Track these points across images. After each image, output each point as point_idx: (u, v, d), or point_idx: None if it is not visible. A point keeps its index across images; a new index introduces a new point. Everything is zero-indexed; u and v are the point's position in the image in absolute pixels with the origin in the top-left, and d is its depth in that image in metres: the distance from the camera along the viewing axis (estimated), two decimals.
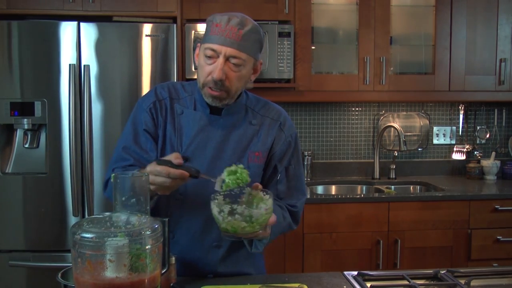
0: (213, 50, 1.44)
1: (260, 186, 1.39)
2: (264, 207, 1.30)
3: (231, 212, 1.27)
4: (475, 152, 3.57)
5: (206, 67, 1.47)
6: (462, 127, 3.59)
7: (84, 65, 2.58)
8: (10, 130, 2.68)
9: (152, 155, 1.52)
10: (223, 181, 1.32)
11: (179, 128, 1.55)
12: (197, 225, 1.54)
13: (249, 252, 1.58)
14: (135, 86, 2.65)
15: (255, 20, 3.24)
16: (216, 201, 1.33)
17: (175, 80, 2.65)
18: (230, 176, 1.31)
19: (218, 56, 1.44)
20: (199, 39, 2.87)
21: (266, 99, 1.69)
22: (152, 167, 1.31)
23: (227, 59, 1.44)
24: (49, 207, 2.63)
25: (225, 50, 1.43)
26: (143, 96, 1.62)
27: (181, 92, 1.60)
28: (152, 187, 1.30)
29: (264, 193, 1.36)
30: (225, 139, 1.55)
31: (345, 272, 1.59)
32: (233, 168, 1.33)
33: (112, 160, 1.57)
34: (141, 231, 1.08)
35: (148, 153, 1.53)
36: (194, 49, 2.83)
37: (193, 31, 2.86)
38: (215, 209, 1.31)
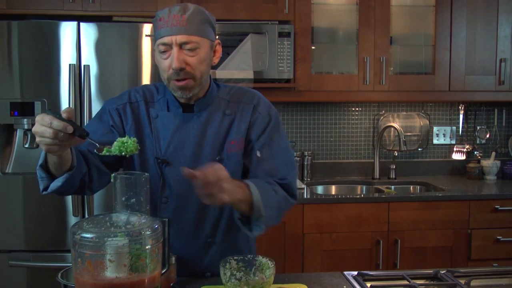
0: (164, 44, 1.44)
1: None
2: (261, 276, 1.32)
3: (232, 276, 1.30)
4: (475, 152, 3.57)
5: (164, 62, 1.46)
6: (462, 127, 3.59)
7: (84, 65, 2.58)
8: (10, 130, 2.67)
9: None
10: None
11: (156, 132, 1.53)
12: (188, 225, 1.54)
13: (242, 246, 1.61)
14: (135, 86, 2.63)
15: (255, 20, 3.24)
16: (224, 264, 1.36)
17: None
18: (118, 143, 1.27)
19: (171, 48, 1.43)
20: None
21: (240, 86, 1.66)
22: (40, 116, 1.20)
23: (180, 47, 1.43)
24: (49, 207, 2.63)
25: (175, 38, 1.42)
26: (114, 97, 1.61)
27: (155, 94, 1.59)
28: (37, 139, 1.21)
29: (270, 263, 1.37)
30: (202, 135, 1.53)
31: (345, 272, 1.59)
32: (124, 139, 1.27)
33: None
34: (141, 231, 1.08)
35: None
36: None
37: None
38: (221, 271, 1.34)
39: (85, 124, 2.58)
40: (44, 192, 1.39)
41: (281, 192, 1.52)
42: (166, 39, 1.43)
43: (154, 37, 1.48)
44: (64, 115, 1.19)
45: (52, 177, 1.36)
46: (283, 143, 1.60)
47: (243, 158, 1.57)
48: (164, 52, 1.45)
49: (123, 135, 1.50)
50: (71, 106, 2.56)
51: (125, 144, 1.26)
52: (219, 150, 1.53)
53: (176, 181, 1.51)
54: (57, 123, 1.16)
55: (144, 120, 1.55)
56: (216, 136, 1.53)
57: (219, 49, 1.55)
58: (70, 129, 1.17)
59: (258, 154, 1.55)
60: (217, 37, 1.57)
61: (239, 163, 1.56)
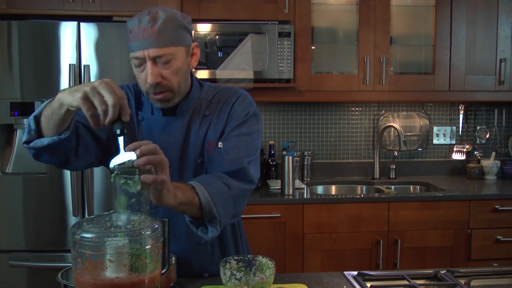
0: (136, 58, 1.38)
1: None
2: (261, 276, 1.32)
3: (232, 276, 1.30)
4: (475, 152, 3.57)
5: (140, 76, 1.41)
6: (462, 127, 3.59)
7: (84, 65, 2.58)
8: (10, 130, 2.67)
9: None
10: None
11: (142, 135, 1.51)
12: (180, 228, 1.53)
13: (235, 244, 1.61)
14: None
15: (255, 20, 3.22)
16: (224, 264, 1.36)
17: None
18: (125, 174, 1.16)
19: (145, 61, 1.37)
20: (199, 39, 2.88)
21: (228, 86, 1.60)
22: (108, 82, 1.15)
23: (153, 60, 1.37)
24: (49, 207, 2.63)
25: (147, 53, 1.35)
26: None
27: (141, 95, 1.56)
28: (90, 94, 1.13)
29: (270, 263, 1.37)
30: (185, 138, 1.50)
31: (345, 272, 1.59)
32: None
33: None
34: (141, 231, 1.08)
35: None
36: None
37: (193, 31, 2.86)
38: (221, 271, 1.34)
39: None
40: (25, 145, 1.32)
41: (235, 184, 1.41)
42: (138, 54, 1.37)
43: (128, 48, 1.41)
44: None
45: (39, 135, 1.30)
46: (246, 131, 1.50)
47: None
48: (138, 66, 1.40)
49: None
50: None
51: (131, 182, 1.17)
52: (200, 153, 1.49)
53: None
54: (120, 91, 1.14)
55: (133, 120, 1.53)
56: (196, 139, 1.49)
57: (197, 51, 1.49)
58: (126, 118, 1.16)
59: (220, 145, 1.47)
60: (193, 39, 1.50)
61: None
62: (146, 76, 1.39)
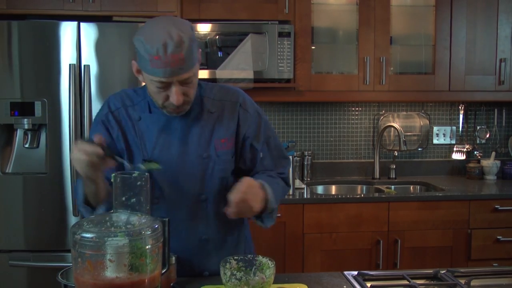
0: (162, 82, 1.40)
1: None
2: (262, 276, 1.32)
3: (232, 276, 1.31)
4: (475, 152, 3.57)
5: (160, 94, 1.44)
6: (462, 127, 3.59)
7: (84, 65, 2.58)
8: (10, 130, 2.67)
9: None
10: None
11: (140, 134, 1.53)
12: (182, 225, 1.54)
13: (237, 242, 1.64)
14: (135, 86, 2.63)
15: (255, 20, 3.21)
16: (224, 264, 1.36)
17: None
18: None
19: (169, 84, 1.41)
20: (199, 39, 2.87)
21: (221, 84, 1.67)
22: (75, 144, 1.35)
23: (179, 82, 1.41)
24: (49, 207, 2.63)
25: (176, 78, 1.39)
26: (98, 110, 1.61)
27: (134, 98, 1.58)
28: (75, 164, 1.34)
29: (270, 262, 1.38)
30: (187, 133, 1.54)
31: (345, 272, 1.59)
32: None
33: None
34: (141, 231, 1.08)
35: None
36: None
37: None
38: (221, 271, 1.34)
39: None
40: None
41: (282, 183, 1.65)
42: (166, 79, 1.39)
43: (142, 63, 1.41)
44: (95, 139, 1.32)
45: (92, 208, 1.47)
46: (275, 138, 1.69)
47: (237, 157, 1.60)
48: (161, 88, 1.42)
49: (113, 145, 1.53)
50: (71, 106, 2.56)
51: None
52: (205, 147, 1.54)
53: (164, 181, 1.52)
54: (89, 147, 1.30)
55: (128, 125, 1.54)
56: (201, 134, 1.54)
57: (200, 57, 1.52)
58: (100, 151, 1.30)
59: (261, 155, 1.62)
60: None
61: (229, 162, 1.58)
62: (167, 95, 1.43)
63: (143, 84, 1.57)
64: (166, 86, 1.41)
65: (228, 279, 1.31)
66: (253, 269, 1.37)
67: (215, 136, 1.55)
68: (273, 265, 1.36)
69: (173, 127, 1.53)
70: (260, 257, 1.40)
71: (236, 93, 1.62)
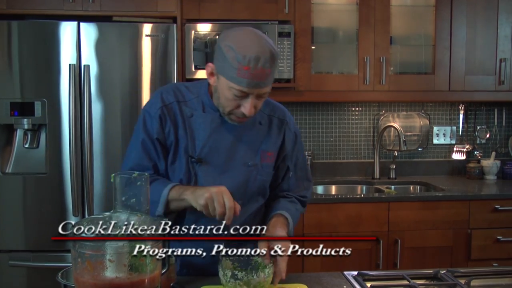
0: (242, 91, 1.40)
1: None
2: (262, 275, 1.33)
3: (233, 276, 1.31)
4: (475, 152, 3.57)
5: (233, 101, 1.44)
6: (462, 127, 3.59)
7: (84, 65, 2.58)
8: (10, 130, 2.67)
9: (163, 164, 1.55)
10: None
11: (191, 131, 1.54)
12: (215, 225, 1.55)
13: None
14: (135, 86, 2.65)
15: (255, 20, 3.21)
16: (222, 263, 1.36)
17: (175, 80, 2.65)
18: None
19: (247, 94, 1.42)
20: (199, 39, 2.86)
21: (268, 99, 1.66)
22: (220, 192, 1.37)
23: (256, 96, 1.43)
24: (49, 207, 2.63)
25: (257, 91, 1.41)
26: (148, 102, 1.60)
27: (186, 94, 1.58)
28: (209, 205, 1.37)
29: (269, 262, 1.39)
30: (237, 140, 1.56)
31: (345, 272, 1.59)
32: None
33: (126, 168, 1.54)
34: (141, 231, 1.08)
35: (161, 161, 1.55)
36: (194, 50, 2.83)
37: (193, 31, 2.86)
38: (220, 271, 1.35)
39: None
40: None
41: (300, 208, 1.71)
42: (247, 90, 1.40)
43: (225, 70, 1.40)
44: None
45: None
46: (304, 159, 1.75)
47: (274, 170, 1.65)
48: (237, 96, 1.42)
49: (164, 140, 1.53)
50: (71, 106, 2.56)
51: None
52: (251, 156, 1.57)
53: (208, 181, 1.52)
54: (229, 202, 1.37)
55: (179, 119, 1.54)
56: (250, 143, 1.58)
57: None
58: (237, 211, 1.38)
59: (291, 174, 1.69)
60: None
61: (269, 174, 1.63)
62: (238, 104, 1.44)
63: (195, 82, 1.62)
64: (243, 96, 1.42)
65: (228, 279, 1.31)
66: (253, 269, 1.37)
67: (263, 147, 1.59)
68: (271, 264, 1.36)
69: (225, 131, 1.55)
70: (256, 257, 1.40)
71: (284, 112, 1.67)
